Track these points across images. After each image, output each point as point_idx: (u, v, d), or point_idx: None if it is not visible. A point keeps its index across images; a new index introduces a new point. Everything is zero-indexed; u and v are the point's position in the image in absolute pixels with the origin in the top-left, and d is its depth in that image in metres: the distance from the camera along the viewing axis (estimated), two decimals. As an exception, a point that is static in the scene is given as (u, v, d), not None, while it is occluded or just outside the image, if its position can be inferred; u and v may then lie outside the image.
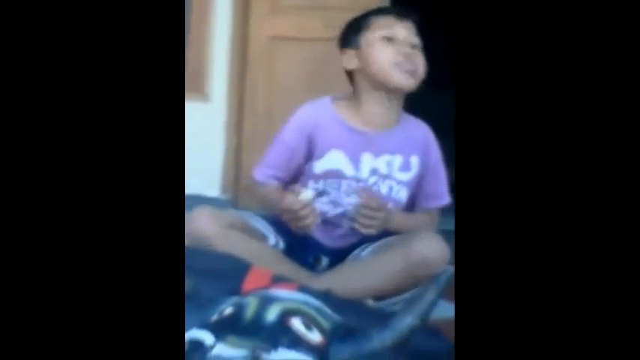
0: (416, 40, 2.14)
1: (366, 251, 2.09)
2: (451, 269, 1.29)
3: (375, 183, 2.14)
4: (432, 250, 1.94)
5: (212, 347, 1.19)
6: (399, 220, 2.11)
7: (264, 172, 2.22)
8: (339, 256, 2.11)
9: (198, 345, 1.20)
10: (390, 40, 2.12)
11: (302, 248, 2.12)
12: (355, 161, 2.14)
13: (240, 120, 4.37)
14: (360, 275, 1.96)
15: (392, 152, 2.15)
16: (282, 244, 2.11)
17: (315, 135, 2.14)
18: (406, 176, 2.18)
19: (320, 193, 2.07)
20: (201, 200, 4.22)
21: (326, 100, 2.20)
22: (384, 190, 2.14)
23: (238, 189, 4.25)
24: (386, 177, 2.15)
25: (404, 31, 2.13)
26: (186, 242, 1.61)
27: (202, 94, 4.36)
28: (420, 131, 2.25)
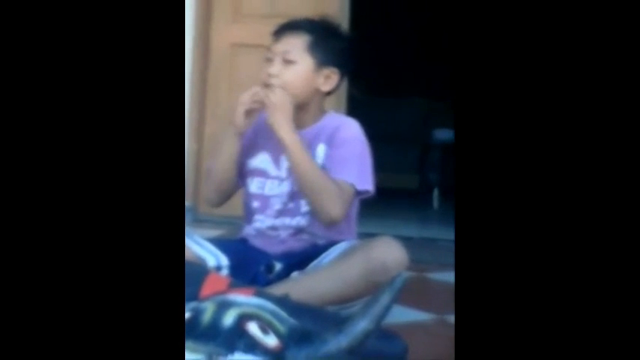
0: (294, 54, 2.19)
1: (328, 259, 2.09)
2: (405, 274, 1.31)
3: (291, 179, 2.19)
4: (392, 255, 1.95)
5: (169, 352, 1.19)
6: (297, 144, 2.11)
7: (210, 163, 2.35)
8: (287, 261, 2.14)
9: (154, 350, 1.20)
10: (268, 60, 2.21)
11: (249, 260, 2.15)
12: (276, 161, 2.23)
13: (201, 125, 4.37)
14: (320, 283, 1.96)
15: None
16: (226, 262, 2.12)
17: (252, 137, 2.25)
18: None
19: None
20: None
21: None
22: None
23: (198, 195, 4.24)
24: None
25: (282, 46, 2.20)
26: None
27: (163, 100, 4.35)
28: (333, 123, 2.28)
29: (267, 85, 2.17)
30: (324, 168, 2.17)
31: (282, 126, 2.10)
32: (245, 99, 2.14)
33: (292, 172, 2.15)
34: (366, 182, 2.17)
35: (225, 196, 2.30)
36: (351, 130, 2.25)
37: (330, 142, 2.20)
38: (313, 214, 2.16)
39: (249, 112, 2.15)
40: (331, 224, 2.13)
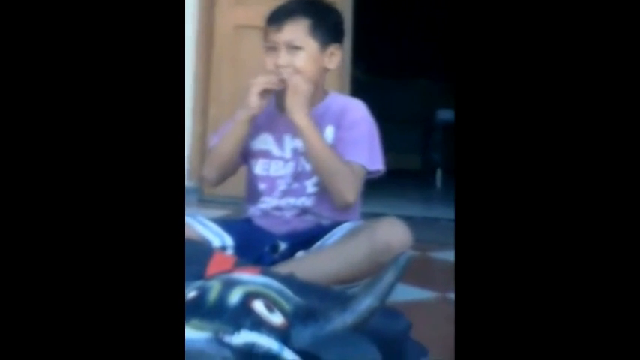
0: (299, 40, 2.19)
1: (333, 239, 2.10)
2: (410, 252, 1.32)
3: (295, 160, 2.22)
4: (396, 236, 1.97)
5: (176, 330, 1.19)
6: (313, 130, 2.14)
7: (213, 140, 2.35)
8: (292, 239, 2.16)
9: (162, 328, 1.21)
10: (271, 49, 2.22)
11: (254, 240, 2.16)
12: (279, 142, 2.25)
13: (205, 107, 4.37)
14: (325, 263, 1.97)
15: None
16: (231, 243, 2.14)
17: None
18: None
19: None
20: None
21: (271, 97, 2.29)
22: (307, 165, 2.21)
23: (203, 177, 4.24)
24: (304, 153, 2.19)
25: (286, 35, 2.20)
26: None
27: (168, 82, 4.35)
28: (339, 104, 2.30)
29: (277, 78, 2.18)
30: (333, 147, 2.18)
31: (299, 110, 2.12)
32: (261, 80, 2.15)
33: (308, 156, 2.16)
34: (377, 162, 2.22)
35: (227, 176, 2.33)
36: (359, 112, 2.27)
37: (339, 124, 2.22)
38: (329, 197, 2.18)
39: (263, 94, 2.15)
40: (345, 208, 2.16)
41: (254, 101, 2.15)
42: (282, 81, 2.13)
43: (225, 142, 2.26)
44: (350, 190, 2.13)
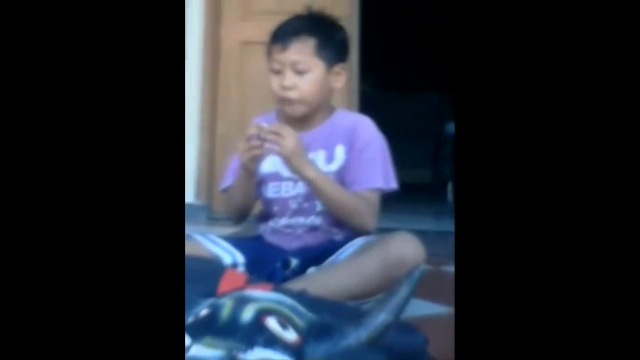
0: (306, 62, 2.18)
1: (344, 255, 2.10)
2: (424, 266, 1.31)
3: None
4: (409, 250, 1.96)
5: (189, 349, 1.19)
6: (322, 179, 2.12)
7: (226, 181, 2.34)
8: (303, 255, 2.15)
9: (174, 347, 1.21)
10: (276, 72, 2.20)
11: (265, 257, 2.16)
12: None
13: (212, 124, 4.38)
14: (338, 278, 1.96)
15: (315, 149, 2.20)
16: (242, 260, 2.13)
17: None
18: (333, 167, 2.21)
19: None
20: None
21: (272, 112, 2.30)
22: None
23: (212, 194, 4.25)
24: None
25: (291, 56, 2.18)
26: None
27: (175, 100, 4.37)
28: (348, 122, 2.29)
29: (283, 99, 2.18)
30: (346, 169, 2.20)
31: (303, 166, 2.09)
32: (243, 149, 2.10)
33: (323, 203, 2.16)
34: (391, 181, 2.24)
35: (248, 213, 2.33)
36: (369, 131, 2.28)
37: (351, 145, 2.22)
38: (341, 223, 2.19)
39: (253, 159, 2.11)
40: (364, 233, 2.17)
41: (250, 166, 2.13)
42: (268, 138, 2.06)
43: (235, 192, 2.26)
44: (369, 220, 2.17)
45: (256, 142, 2.06)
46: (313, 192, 2.14)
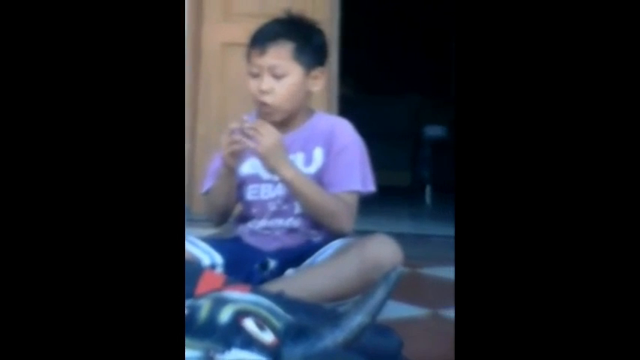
0: (283, 66, 2.18)
1: (323, 256, 2.10)
2: (401, 269, 1.32)
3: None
4: (386, 253, 1.97)
5: (166, 349, 1.20)
6: (300, 178, 2.14)
7: (207, 184, 2.34)
8: (281, 257, 2.16)
9: (152, 347, 1.21)
10: (255, 75, 2.20)
11: (244, 258, 2.16)
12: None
13: (193, 125, 4.38)
14: (315, 280, 1.97)
15: (294, 151, 2.20)
16: (221, 261, 2.14)
17: None
18: (311, 169, 2.22)
19: None
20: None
21: (253, 112, 2.28)
22: None
23: (192, 195, 4.24)
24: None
25: (269, 60, 2.18)
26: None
27: (155, 101, 4.36)
28: (326, 125, 2.30)
29: (260, 102, 2.19)
30: (324, 171, 2.21)
31: (280, 165, 2.11)
32: (227, 140, 2.12)
33: (300, 203, 2.17)
34: (369, 184, 2.25)
35: (228, 216, 2.33)
36: (348, 134, 2.28)
37: (329, 149, 2.23)
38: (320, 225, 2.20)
39: (235, 153, 2.13)
40: (341, 235, 2.18)
41: (230, 162, 2.15)
42: (249, 134, 2.08)
43: (217, 191, 2.27)
44: (346, 222, 2.18)
45: (237, 137, 2.08)
46: (291, 192, 2.15)
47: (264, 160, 2.09)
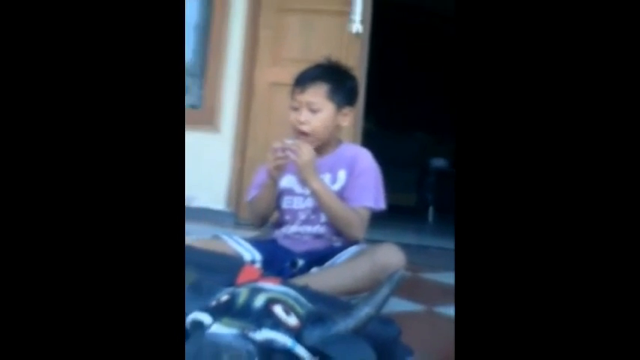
0: (319, 103, 2.21)
1: (341, 259, 2.10)
2: (403, 272, 1.32)
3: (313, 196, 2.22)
4: (393, 258, 1.98)
5: (210, 326, 1.19)
6: (325, 190, 2.15)
7: (251, 193, 2.36)
8: (308, 257, 2.16)
9: (199, 325, 1.21)
10: (295, 109, 2.23)
11: (278, 257, 2.17)
12: (302, 182, 2.23)
13: (244, 148, 4.39)
14: (334, 278, 1.97)
15: (323, 172, 2.22)
16: (259, 257, 2.15)
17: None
18: (336, 186, 2.23)
19: None
20: (208, 212, 4.23)
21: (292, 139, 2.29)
22: None
23: (239, 204, 4.27)
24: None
25: (307, 97, 2.21)
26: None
27: (214, 127, 4.39)
28: (350, 152, 2.32)
29: (298, 131, 2.21)
30: (345, 189, 2.22)
31: (311, 178, 2.14)
32: (271, 159, 2.15)
33: (323, 210, 2.18)
34: (381, 202, 2.25)
35: (267, 220, 2.35)
36: (367, 160, 2.29)
37: (351, 171, 2.24)
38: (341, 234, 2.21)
39: (279, 166, 2.16)
40: (355, 241, 2.19)
41: (274, 173, 2.18)
42: (292, 149, 2.12)
43: (260, 199, 2.29)
44: (358, 231, 2.19)
45: (280, 154, 2.12)
46: (317, 201, 2.16)
47: (300, 171, 2.13)
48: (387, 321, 1.42)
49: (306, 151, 2.12)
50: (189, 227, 1.48)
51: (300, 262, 2.14)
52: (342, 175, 2.24)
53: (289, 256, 2.17)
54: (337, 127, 2.27)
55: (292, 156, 2.12)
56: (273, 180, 2.20)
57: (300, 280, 1.83)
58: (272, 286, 1.33)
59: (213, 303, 1.26)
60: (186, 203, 4.24)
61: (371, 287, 1.77)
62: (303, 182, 2.18)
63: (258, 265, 2.09)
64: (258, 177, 2.35)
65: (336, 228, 2.19)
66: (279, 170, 2.17)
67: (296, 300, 1.29)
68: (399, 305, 2.18)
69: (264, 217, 2.32)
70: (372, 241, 2.21)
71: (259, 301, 1.24)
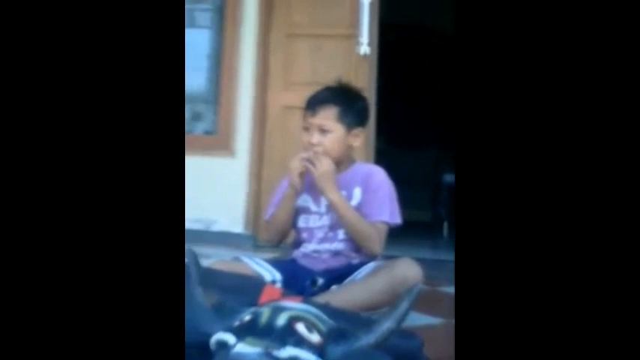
0: (329, 126, 2.22)
1: (360, 275, 2.10)
2: (421, 286, 1.32)
3: (329, 214, 2.24)
4: (410, 273, 1.98)
5: (234, 346, 1.20)
6: (343, 202, 2.17)
7: (269, 211, 2.37)
8: (328, 275, 2.17)
9: (223, 345, 1.21)
10: (307, 129, 2.24)
11: (298, 276, 2.18)
12: (316, 200, 2.26)
13: (259, 171, 4.40)
14: (354, 294, 1.97)
15: (339, 190, 2.21)
16: (279, 277, 2.16)
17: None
18: (352, 204, 2.23)
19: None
20: (228, 236, 4.24)
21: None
22: (335, 218, 2.23)
23: (258, 226, 4.27)
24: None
25: (318, 120, 2.22)
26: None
27: (230, 151, 4.41)
28: (364, 170, 2.33)
29: (310, 151, 2.21)
30: (361, 205, 2.22)
31: (329, 189, 2.16)
32: (296, 164, 2.18)
33: (341, 222, 2.19)
34: (396, 217, 2.25)
35: (285, 237, 2.35)
36: (381, 177, 2.30)
37: (366, 187, 2.25)
38: (359, 249, 2.21)
39: (301, 174, 2.19)
40: (373, 256, 2.19)
41: (296, 181, 2.19)
42: (312, 161, 2.16)
43: (279, 214, 2.29)
44: (377, 245, 2.19)
45: (303, 163, 2.16)
46: (336, 213, 2.18)
47: (318, 182, 2.14)
48: (408, 334, 1.41)
49: (325, 163, 2.14)
50: (210, 251, 1.48)
51: (320, 281, 2.14)
52: (357, 192, 2.24)
53: (309, 274, 2.17)
54: (349, 148, 2.28)
55: (311, 167, 2.13)
56: (295, 190, 2.22)
57: (321, 298, 1.83)
58: (294, 305, 1.33)
59: (237, 323, 1.26)
60: (206, 227, 4.25)
61: (390, 302, 1.76)
62: (320, 195, 2.19)
63: (278, 285, 2.09)
64: (276, 196, 2.37)
65: (355, 242, 2.19)
66: (301, 178, 2.19)
67: (318, 317, 1.29)
68: (418, 319, 2.17)
69: (283, 234, 2.32)
70: (389, 257, 2.21)
71: (282, 320, 1.24)
